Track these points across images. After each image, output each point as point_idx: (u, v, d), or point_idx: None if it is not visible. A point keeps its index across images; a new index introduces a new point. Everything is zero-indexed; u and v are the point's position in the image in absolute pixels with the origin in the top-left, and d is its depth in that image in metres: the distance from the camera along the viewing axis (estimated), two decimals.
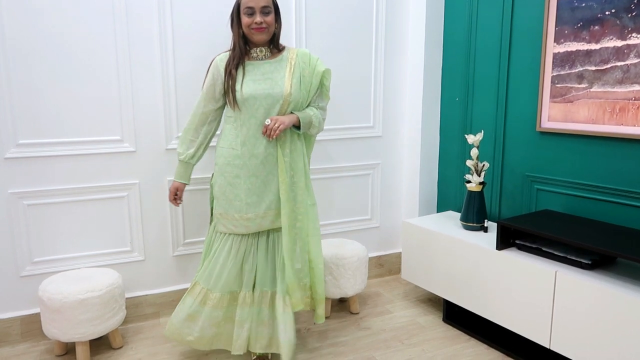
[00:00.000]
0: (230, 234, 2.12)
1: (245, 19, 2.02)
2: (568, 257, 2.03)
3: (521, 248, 2.22)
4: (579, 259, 1.99)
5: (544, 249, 2.12)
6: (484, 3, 2.64)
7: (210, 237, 2.21)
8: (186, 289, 2.64)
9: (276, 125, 2.01)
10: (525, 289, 2.11)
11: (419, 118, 2.97)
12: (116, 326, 2.29)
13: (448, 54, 2.91)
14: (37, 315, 2.38)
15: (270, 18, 2.04)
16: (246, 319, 2.11)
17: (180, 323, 2.12)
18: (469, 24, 2.74)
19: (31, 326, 2.40)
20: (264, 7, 2.01)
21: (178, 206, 2.30)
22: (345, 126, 2.93)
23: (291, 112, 2.09)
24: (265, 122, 2.03)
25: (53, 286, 2.19)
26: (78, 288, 2.16)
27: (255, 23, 2.01)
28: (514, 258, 2.15)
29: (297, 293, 2.15)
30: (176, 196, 2.23)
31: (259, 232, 2.15)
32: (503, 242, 2.24)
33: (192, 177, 2.56)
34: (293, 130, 2.12)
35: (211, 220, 2.23)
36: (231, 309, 2.13)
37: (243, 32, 2.06)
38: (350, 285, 2.61)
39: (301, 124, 2.09)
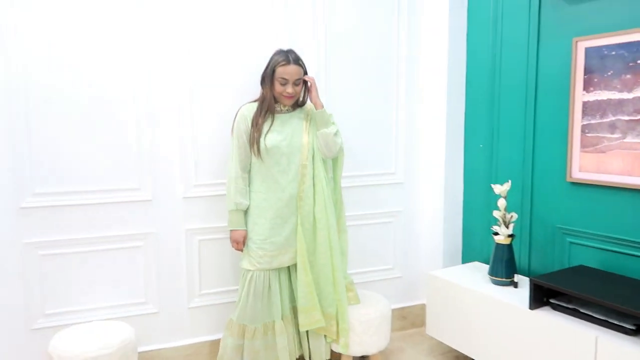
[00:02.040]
0: (255, 270, 2.27)
1: (278, 87, 2.23)
2: (609, 320, 1.88)
3: (556, 308, 2.08)
4: (621, 324, 1.85)
5: (581, 310, 1.98)
6: (507, 48, 2.59)
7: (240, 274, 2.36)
8: (201, 343, 2.57)
9: (313, 91, 2.30)
10: (561, 354, 1.96)
11: (442, 164, 2.88)
12: None
13: (471, 99, 2.84)
14: None
15: (300, 87, 2.28)
16: (286, 344, 2.33)
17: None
18: (492, 69, 2.68)
19: None
20: (297, 79, 2.24)
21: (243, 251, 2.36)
22: (366, 172, 2.86)
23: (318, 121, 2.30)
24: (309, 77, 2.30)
25: (64, 343, 2.11)
26: (89, 346, 2.08)
27: (287, 92, 2.23)
28: (549, 319, 2.01)
29: (311, 314, 2.30)
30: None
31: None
32: (536, 301, 2.11)
33: (210, 226, 2.55)
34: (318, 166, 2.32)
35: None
36: (269, 339, 2.31)
37: (274, 94, 2.26)
38: (372, 342, 2.48)
39: (322, 113, 2.28)
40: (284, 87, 2.22)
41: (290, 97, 2.25)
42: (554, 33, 2.36)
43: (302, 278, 2.29)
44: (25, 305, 2.29)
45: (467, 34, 2.83)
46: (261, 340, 2.30)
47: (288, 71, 2.20)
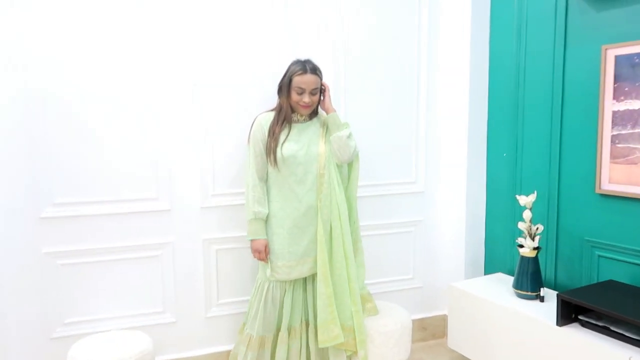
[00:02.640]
0: (273, 280, 2.25)
1: (295, 96, 2.22)
2: None
3: (585, 325, 2.00)
4: None
5: (612, 328, 1.90)
6: (532, 55, 2.52)
7: (254, 285, 2.34)
8: (219, 352, 2.55)
9: (327, 97, 2.31)
10: None
11: (464, 173, 2.82)
12: None
13: (494, 107, 2.78)
14: None
15: (317, 97, 2.26)
16: (284, 356, 2.29)
17: None
18: (516, 76, 2.61)
19: None
20: (314, 89, 2.22)
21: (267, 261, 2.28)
22: (386, 182, 2.81)
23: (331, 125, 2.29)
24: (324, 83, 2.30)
25: (82, 353, 2.09)
26: (107, 357, 2.06)
27: (304, 102, 2.21)
28: (578, 337, 1.94)
29: (330, 328, 2.24)
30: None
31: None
32: (564, 317, 2.04)
33: (227, 236, 2.53)
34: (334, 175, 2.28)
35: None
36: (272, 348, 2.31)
37: (290, 103, 2.24)
38: (392, 354, 2.43)
39: (334, 116, 2.27)
40: (300, 97, 2.21)
41: (307, 106, 2.23)
42: (582, 40, 2.29)
43: (323, 290, 2.24)
44: (44, 314, 2.29)
45: (490, 41, 2.76)
46: (269, 351, 2.30)
47: (305, 80, 2.18)
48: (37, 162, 2.21)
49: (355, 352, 2.35)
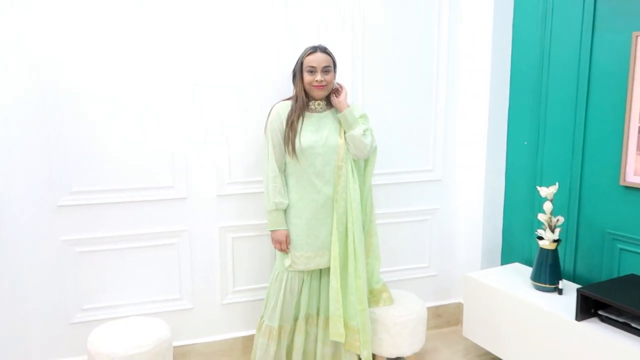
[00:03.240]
0: (291, 270, 2.24)
1: (307, 77, 2.17)
2: None
3: (605, 320, 1.98)
4: None
5: (634, 325, 1.87)
6: (557, 41, 2.43)
7: (272, 277, 2.31)
8: (235, 338, 2.58)
9: (342, 95, 2.23)
10: None
11: (483, 161, 2.76)
12: None
13: (516, 94, 2.70)
14: None
15: (330, 76, 2.19)
16: (302, 345, 2.32)
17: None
18: (540, 63, 2.52)
19: None
20: (325, 66, 2.16)
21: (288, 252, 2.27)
22: (403, 169, 2.77)
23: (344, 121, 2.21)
24: (337, 85, 2.25)
25: (101, 339, 2.12)
26: (126, 344, 2.09)
27: (316, 81, 2.15)
28: (598, 333, 1.92)
29: (336, 325, 2.22)
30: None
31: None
32: (583, 312, 2.01)
33: (243, 224, 2.52)
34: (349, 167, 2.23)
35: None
36: (291, 335, 2.32)
37: (304, 87, 2.18)
38: (407, 344, 2.43)
39: (346, 114, 2.19)
40: (312, 76, 2.15)
41: (320, 86, 2.16)
42: (611, 26, 2.19)
43: (333, 284, 2.21)
44: (63, 300, 2.33)
45: (513, 25, 2.67)
46: (287, 339, 2.30)
47: (315, 58, 2.14)
48: (53, 151, 2.21)
49: (360, 353, 2.28)
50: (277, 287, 2.26)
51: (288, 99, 2.26)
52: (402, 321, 2.41)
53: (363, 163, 2.34)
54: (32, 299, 2.28)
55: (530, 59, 2.59)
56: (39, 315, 2.30)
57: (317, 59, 2.14)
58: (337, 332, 2.23)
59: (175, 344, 2.48)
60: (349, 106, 2.21)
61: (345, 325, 2.25)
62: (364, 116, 2.28)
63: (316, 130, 2.20)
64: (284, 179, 2.25)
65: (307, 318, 2.34)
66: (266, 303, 2.31)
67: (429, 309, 2.89)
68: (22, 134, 2.17)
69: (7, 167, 2.16)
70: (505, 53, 2.70)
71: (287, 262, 2.24)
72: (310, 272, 2.29)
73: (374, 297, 2.45)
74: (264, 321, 2.29)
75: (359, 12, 2.55)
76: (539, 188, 2.34)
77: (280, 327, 2.27)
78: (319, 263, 2.26)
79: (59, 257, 2.29)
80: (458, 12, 2.75)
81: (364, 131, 2.20)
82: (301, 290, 2.28)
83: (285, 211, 2.25)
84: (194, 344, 2.54)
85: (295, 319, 2.31)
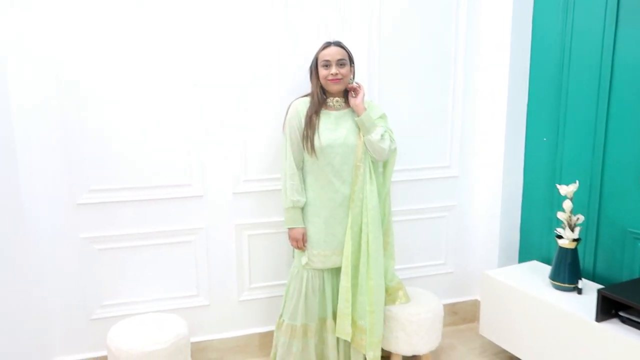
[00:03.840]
0: (308, 268, 2.23)
1: (322, 71, 2.15)
2: None
3: (625, 322, 1.94)
4: None
5: None
6: (579, 35, 2.37)
7: (290, 275, 2.30)
8: (251, 335, 2.60)
9: (359, 97, 2.17)
10: None
11: (501, 157, 2.72)
12: None
13: (535, 89, 2.65)
14: (106, 358, 2.38)
15: (345, 70, 2.15)
16: (335, 343, 2.31)
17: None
18: (561, 57, 2.47)
19: None
20: (340, 59, 2.13)
21: (305, 250, 2.27)
22: (419, 166, 2.74)
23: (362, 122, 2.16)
24: (355, 84, 2.20)
25: (120, 336, 2.16)
26: (144, 340, 2.12)
27: (332, 74, 2.12)
28: (618, 334, 1.89)
29: (343, 323, 2.23)
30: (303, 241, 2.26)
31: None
32: (603, 313, 1.98)
33: (259, 221, 2.53)
34: (368, 166, 2.21)
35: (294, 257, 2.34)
36: (322, 335, 2.32)
37: (321, 83, 2.16)
38: (423, 342, 2.42)
39: (363, 119, 2.14)
40: (327, 71, 2.12)
41: (335, 79, 2.12)
42: (636, 19, 2.13)
43: (343, 283, 2.22)
44: (83, 297, 2.37)
45: (533, 19, 2.61)
46: (315, 338, 2.29)
47: (329, 52, 2.13)
48: (71, 150, 2.23)
49: (365, 353, 2.28)
50: (298, 286, 2.25)
51: (306, 95, 2.24)
52: (419, 319, 2.40)
53: (382, 163, 2.31)
54: (53, 295, 2.33)
55: (550, 52, 2.53)
56: (60, 311, 2.35)
57: (331, 53, 2.12)
58: (343, 329, 2.24)
59: (192, 340, 2.50)
60: (366, 109, 2.17)
61: (354, 324, 2.26)
62: (382, 116, 2.25)
63: (335, 128, 2.17)
64: (301, 176, 2.24)
65: (334, 316, 2.32)
66: (285, 301, 2.31)
67: (445, 306, 2.87)
68: (42, 134, 2.19)
69: (28, 166, 2.19)
70: (524, 46, 2.64)
71: (304, 259, 2.23)
72: (330, 271, 2.29)
73: (389, 295, 2.44)
74: (283, 320, 2.29)
75: (375, 4, 2.52)
76: (558, 186, 2.30)
77: (305, 325, 2.26)
78: (335, 262, 2.25)
79: (78, 254, 2.32)
80: (476, 4, 2.69)
81: (381, 135, 2.16)
82: (324, 288, 2.28)
83: (302, 209, 2.24)
84: (211, 340, 2.57)
85: (324, 319, 2.30)
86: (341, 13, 2.47)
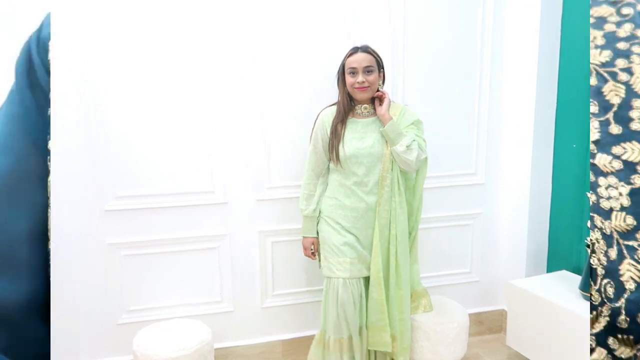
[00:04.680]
0: (334, 277, 2.14)
1: (348, 79, 2.08)
2: None
3: None
4: None
5: None
6: None
7: (325, 288, 2.21)
8: (274, 342, 2.60)
9: (384, 105, 2.09)
10: None
11: (528, 164, 2.66)
12: None
13: (564, 94, 2.58)
14: None
15: (373, 77, 2.07)
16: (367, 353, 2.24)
17: None
18: None
19: None
20: (367, 66, 2.05)
21: (316, 259, 2.29)
22: (444, 173, 2.71)
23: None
24: (380, 92, 2.12)
25: (146, 342, 2.19)
26: (169, 346, 2.15)
27: (358, 82, 2.06)
28: None
29: (381, 335, 2.17)
30: (312, 250, 2.26)
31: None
32: None
33: (282, 228, 2.53)
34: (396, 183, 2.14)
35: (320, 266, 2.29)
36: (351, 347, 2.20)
37: (348, 90, 2.11)
38: (448, 352, 2.39)
39: (387, 130, 2.06)
40: (354, 79, 2.05)
41: (362, 87, 2.05)
42: None
43: (375, 296, 2.14)
44: (109, 302, 2.41)
45: (562, 21, 2.54)
46: (360, 350, 2.19)
47: (356, 59, 2.05)
48: (98, 157, 2.27)
49: (396, 359, 2.26)
50: (333, 299, 2.12)
51: (334, 104, 2.20)
52: (443, 329, 2.37)
53: (414, 173, 2.24)
54: (81, 300, 2.37)
55: (580, 56, 2.46)
56: (87, 315, 2.39)
57: (358, 59, 2.05)
58: (381, 341, 2.18)
59: (216, 345, 2.52)
60: (392, 118, 2.09)
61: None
62: (416, 123, 2.16)
63: (361, 137, 2.11)
64: (317, 186, 2.23)
65: (361, 333, 2.22)
66: (325, 317, 2.18)
67: (470, 315, 2.81)
68: (70, 141, 2.24)
69: (57, 173, 2.24)
70: (553, 49, 2.58)
71: (325, 271, 2.20)
72: (358, 280, 2.17)
73: (413, 302, 2.39)
74: (329, 336, 2.15)
75: (400, 9, 2.49)
76: (589, 194, 2.23)
77: (350, 337, 2.15)
78: (353, 272, 2.14)
79: (105, 260, 2.37)
80: (502, 6, 2.64)
81: (407, 146, 2.05)
82: (361, 298, 2.16)
83: (325, 217, 2.21)
84: (235, 346, 2.58)
85: (361, 328, 2.19)
86: (362, 17, 2.45)
